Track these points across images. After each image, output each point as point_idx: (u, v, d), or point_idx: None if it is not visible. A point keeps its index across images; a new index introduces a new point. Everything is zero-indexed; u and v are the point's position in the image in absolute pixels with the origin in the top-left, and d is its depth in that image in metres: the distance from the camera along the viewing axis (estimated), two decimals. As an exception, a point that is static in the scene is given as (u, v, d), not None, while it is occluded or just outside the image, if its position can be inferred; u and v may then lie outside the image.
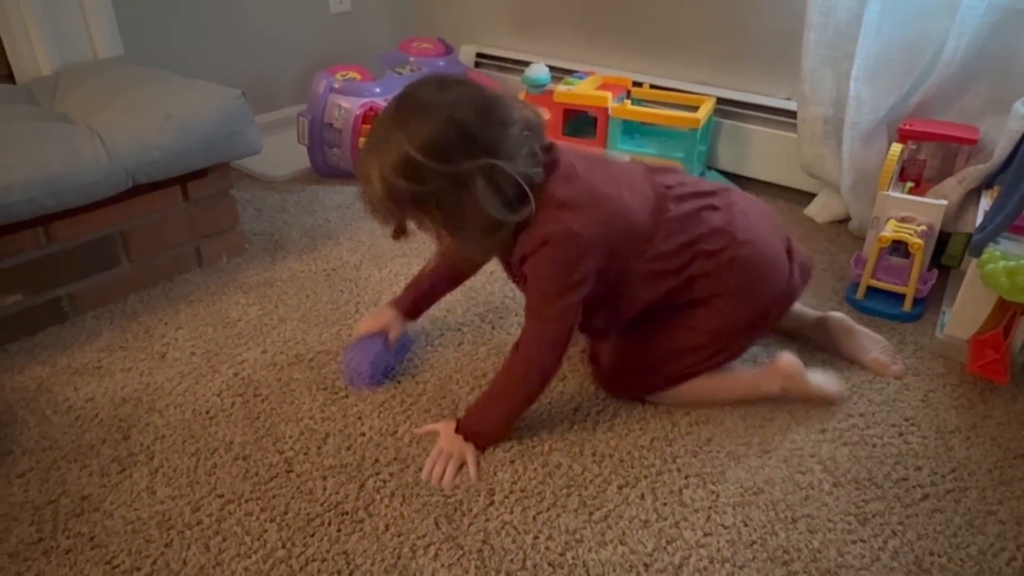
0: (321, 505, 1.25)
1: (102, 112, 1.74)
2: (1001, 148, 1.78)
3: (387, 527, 1.21)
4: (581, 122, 2.49)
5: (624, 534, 1.21)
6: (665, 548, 1.19)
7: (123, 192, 1.69)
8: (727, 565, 1.16)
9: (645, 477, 1.32)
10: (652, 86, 2.54)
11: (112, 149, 1.63)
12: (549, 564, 1.16)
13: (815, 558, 1.17)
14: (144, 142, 1.69)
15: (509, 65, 2.91)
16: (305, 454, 1.36)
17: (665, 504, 1.27)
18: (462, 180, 1.17)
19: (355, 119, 2.35)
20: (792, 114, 2.24)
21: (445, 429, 1.37)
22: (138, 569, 1.14)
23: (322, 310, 1.79)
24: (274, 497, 1.27)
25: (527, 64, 2.55)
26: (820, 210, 2.31)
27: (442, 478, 1.30)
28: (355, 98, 2.37)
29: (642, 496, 1.29)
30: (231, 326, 1.72)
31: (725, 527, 1.23)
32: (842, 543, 1.20)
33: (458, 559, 1.16)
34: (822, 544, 1.20)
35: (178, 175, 1.80)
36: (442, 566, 1.15)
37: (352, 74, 2.45)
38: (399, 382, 1.54)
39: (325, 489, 1.28)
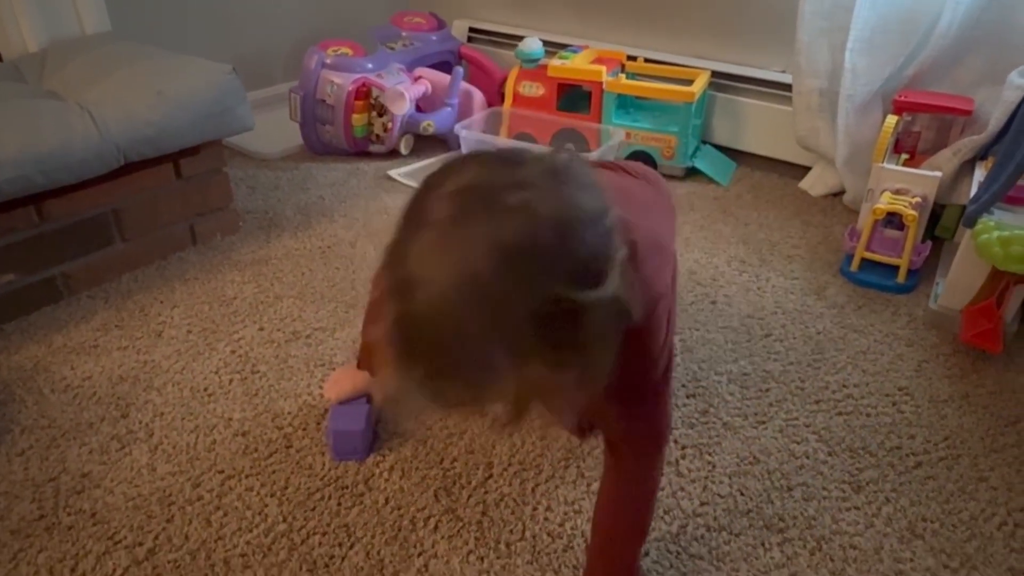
0: (321, 480, 1.28)
1: (92, 89, 1.75)
2: (995, 119, 1.80)
3: (387, 500, 1.24)
4: (575, 97, 2.50)
5: None
6: (662, 517, 1.22)
7: (115, 170, 1.69)
8: (723, 533, 1.19)
9: None
10: (647, 60, 2.55)
11: (103, 126, 1.64)
12: (548, 535, 1.19)
13: (810, 525, 1.20)
14: (135, 119, 1.69)
15: (502, 40, 2.91)
16: (304, 429, 1.38)
17: (662, 475, 1.28)
18: None
19: (347, 95, 2.36)
20: (787, 87, 2.25)
21: None
22: (140, 544, 1.16)
23: (318, 287, 1.81)
24: (274, 472, 1.29)
25: (520, 38, 2.56)
26: (815, 183, 2.33)
27: None
28: (347, 74, 2.38)
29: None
30: (227, 304, 1.74)
31: (721, 496, 1.26)
32: (837, 510, 1.23)
33: (458, 531, 1.19)
34: (817, 511, 1.23)
35: (170, 152, 1.80)
36: (442, 538, 1.18)
37: (344, 49, 2.45)
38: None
39: (324, 464, 1.31)
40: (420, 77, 2.52)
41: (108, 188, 1.73)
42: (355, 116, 2.40)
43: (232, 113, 1.86)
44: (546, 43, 2.58)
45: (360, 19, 3.03)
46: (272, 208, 2.17)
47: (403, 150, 2.52)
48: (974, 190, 1.70)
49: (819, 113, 2.16)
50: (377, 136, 2.47)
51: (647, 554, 1.16)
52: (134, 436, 1.36)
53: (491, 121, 2.51)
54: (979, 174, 1.79)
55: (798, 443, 1.37)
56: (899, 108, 1.96)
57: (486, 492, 1.26)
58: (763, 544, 1.18)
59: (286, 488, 1.26)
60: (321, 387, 1.48)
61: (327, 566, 1.13)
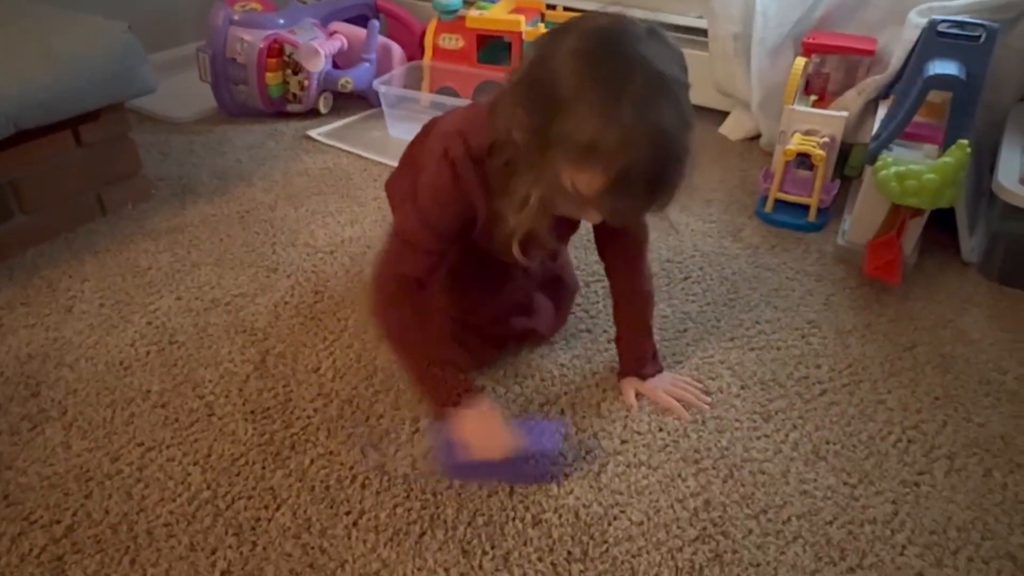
0: (244, 445, 1.28)
1: (-25, 53, 1.69)
2: (896, 58, 1.88)
3: (312, 461, 1.25)
4: (496, 48, 2.50)
5: None
6: (584, 458, 1.27)
7: (6, 139, 1.64)
8: (643, 468, 1.26)
9: (565, 394, 1.40)
10: (566, 8, 2.54)
11: (-11, 92, 1.59)
12: (477, 483, 1.22)
13: (723, 455, 1.28)
14: (24, 83, 1.64)
15: (420, -10, 2.89)
16: (226, 397, 1.38)
17: (583, 417, 1.35)
18: None
19: (259, 53, 2.32)
20: (705, 32, 2.29)
21: (649, 387, 1.40)
22: (57, 522, 1.15)
23: (237, 253, 1.79)
24: (196, 441, 1.29)
25: (438, -12, 2.54)
26: (733, 128, 2.39)
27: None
28: (257, 30, 2.34)
29: (562, 411, 1.36)
30: (141, 275, 1.71)
31: (640, 434, 1.33)
32: (748, 439, 1.32)
33: (387, 486, 1.21)
34: (729, 442, 1.31)
35: (67, 118, 1.76)
36: (371, 494, 1.19)
37: (253, 4, 2.41)
38: (320, 320, 1.57)
39: (248, 430, 1.31)
40: (335, 32, 2.49)
41: (1, 159, 1.69)
42: (269, 75, 2.37)
43: (131, 74, 1.81)
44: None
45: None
46: (186, 174, 2.14)
47: (322, 109, 2.50)
48: (876, 128, 1.77)
49: (735, 58, 2.20)
50: (294, 95, 2.45)
51: (571, 492, 1.21)
52: (46, 415, 1.35)
53: (411, 76, 2.49)
54: (882, 112, 1.85)
55: (713, 379, 1.44)
56: (807, 50, 2.02)
57: (413, 446, 1.27)
58: (680, 475, 1.25)
59: (209, 456, 1.26)
60: (243, 353, 1.48)
61: (253, 528, 1.14)
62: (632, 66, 0.97)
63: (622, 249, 1.40)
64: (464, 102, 2.33)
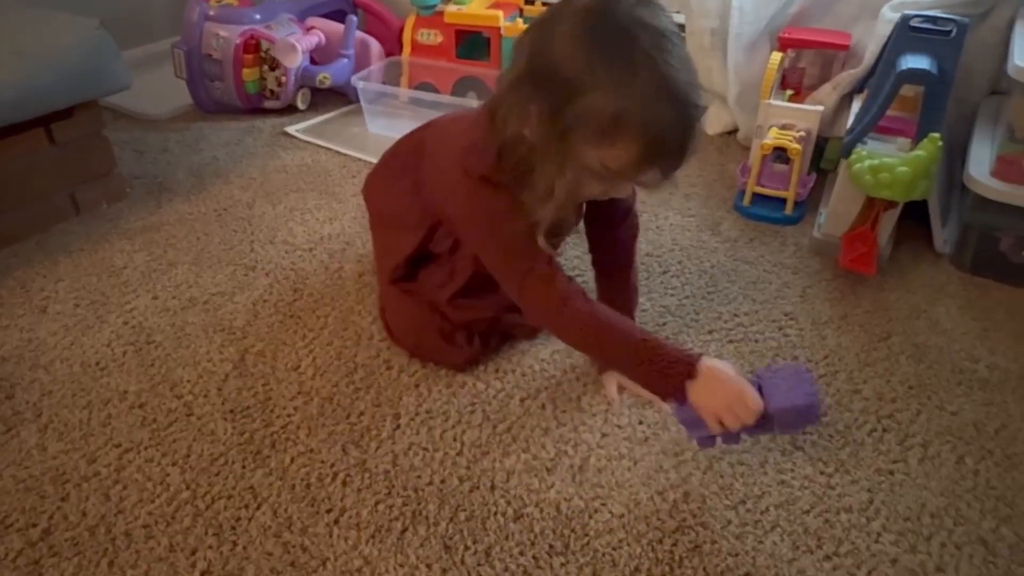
0: (224, 445, 1.27)
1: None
2: (870, 52, 1.90)
3: (293, 460, 1.24)
4: (474, 43, 2.49)
5: (527, 442, 1.29)
6: (565, 451, 1.28)
7: (-24, 138, 1.62)
8: (624, 461, 1.27)
9: (546, 388, 1.40)
10: (544, 3, 2.53)
11: (-43, 90, 1.58)
12: (458, 478, 1.22)
13: None
14: (-7, 81, 1.62)
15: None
16: (205, 396, 1.37)
17: (564, 411, 1.36)
18: None
19: (235, 49, 2.31)
20: (682, 28, 2.28)
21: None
22: (34, 525, 1.14)
23: (214, 251, 1.78)
24: (175, 441, 1.28)
25: (416, -16, 2.54)
26: (711, 122, 2.40)
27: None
28: (233, 26, 2.32)
29: (543, 406, 1.37)
30: (116, 274, 1.70)
31: (621, 427, 1.33)
32: None
33: (368, 483, 1.20)
34: None
35: (38, 116, 1.74)
36: (352, 491, 1.19)
37: (229, 0, 2.40)
38: (300, 318, 1.56)
39: (227, 430, 1.30)
40: (313, 27, 2.48)
41: (-29, 158, 1.66)
42: (246, 71, 2.36)
43: (104, 71, 1.80)
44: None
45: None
46: (162, 172, 2.13)
47: (300, 105, 2.49)
48: (850, 122, 1.81)
49: (711, 52, 2.23)
50: (271, 91, 2.44)
51: (553, 486, 1.22)
52: (21, 417, 1.33)
53: (390, 71, 2.48)
54: (856, 106, 1.88)
55: None
56: (783, 45, 2.06)
57: (394, 443, 1.27)
58: (660, 468, 1.25)
59: (188, 456, 1.25)
60: (221, 352, 1.47)
61: (233, 528, 1.13)
62: (633, 33, 0.98)
63: (613, 242, 1.42)
64: (443, 98, 2.34)
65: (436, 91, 2.45)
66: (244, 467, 1.23)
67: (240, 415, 1.33)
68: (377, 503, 1.17)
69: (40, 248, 1.79)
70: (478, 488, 1.21)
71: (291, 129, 2.37)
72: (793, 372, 1.11)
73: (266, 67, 2.40)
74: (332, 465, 1.23)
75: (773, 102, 1.92)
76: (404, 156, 1.49)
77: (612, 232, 1.45)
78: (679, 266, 1.76)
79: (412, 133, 1.50)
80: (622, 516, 1.17)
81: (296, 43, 2.32)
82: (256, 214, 1.93)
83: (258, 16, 2.38)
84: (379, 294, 1.55)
